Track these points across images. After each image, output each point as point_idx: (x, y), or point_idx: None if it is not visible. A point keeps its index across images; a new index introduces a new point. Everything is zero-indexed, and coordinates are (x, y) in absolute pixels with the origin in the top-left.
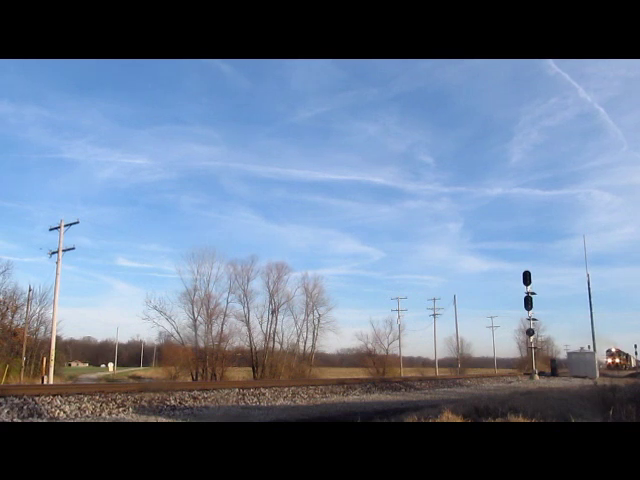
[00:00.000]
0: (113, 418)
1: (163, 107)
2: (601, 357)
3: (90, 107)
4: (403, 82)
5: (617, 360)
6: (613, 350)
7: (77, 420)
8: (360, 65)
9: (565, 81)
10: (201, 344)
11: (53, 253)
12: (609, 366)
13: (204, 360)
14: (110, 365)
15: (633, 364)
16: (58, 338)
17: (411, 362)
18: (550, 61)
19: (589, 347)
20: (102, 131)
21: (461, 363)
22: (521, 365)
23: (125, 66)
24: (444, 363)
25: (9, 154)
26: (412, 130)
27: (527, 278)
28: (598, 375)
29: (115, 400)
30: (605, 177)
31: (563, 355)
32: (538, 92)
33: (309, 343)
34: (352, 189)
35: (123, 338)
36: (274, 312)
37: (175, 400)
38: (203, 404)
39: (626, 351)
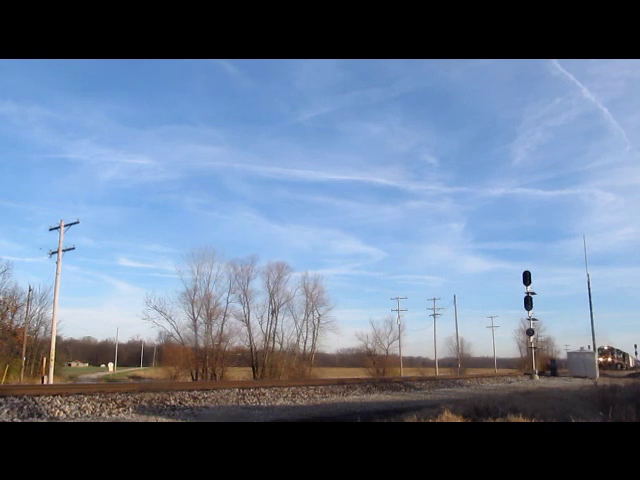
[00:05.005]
0: (113, 418)
1: (167, 107)
2: None
3: (94, 107)
4: (407, 82)
5: (609, 359)
6: (605, 348)
7: (77, 420)
8: (364, 65)
9: (569, 81)
10: (201, 344)
11: (53, 253)
12: (601, 365)
13: (204, 360)
14: (110, 365)
15: (631, 364)
16: (58, 338)
17: (411, 362)
18: (554, 61)
19: (589, 347)
20: (105, 131)
21: (461, 363)
22: (521, 365)
23: (129, 66)
24: (444, 363)
25: (12, 154)
26: (415, 130)
27: (527, 278)
28: (598, 375)
29: (115, 400)
30: (608, 177)
31: (563, 355)
32: (542, 92)
33: (309, 343)
34: (355, 189)
35: (123, 338)
36: (274, 312)
37: (175, 400)
38: (203, 404)
39: (626, 351)
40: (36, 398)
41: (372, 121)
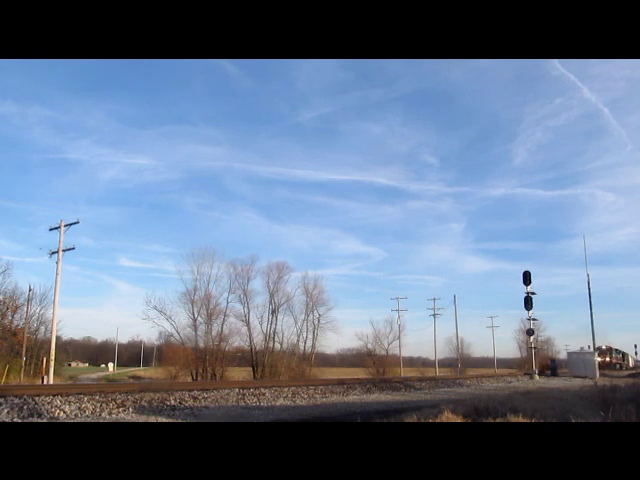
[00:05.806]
0: (113, 418)
1: (167, 107)
2: None
3: (94, 107)
4: (408, 82)
5: (608, 358)
6: (603, 347)
7: (77, 420)
8: (364, 65)
9: (570, 81)
10: (201, 344)
11: (53, 253)
12: (600, 365)
13: (204, 360)
14: (110, 365)
15: (631, 363)
16: (58, 338)
17: (411, 362)
18: (555, 61)
19: (589, 347)
20: (106, 131)
21: (461, 363)
22: (521, 365)
23: (129, 66)
24: (444, 363)
25: (13, 154)
26: (416, 130)
27: (527, 278)
28: (598, 375)
29: (115, 400)
30: (608, 177)
31: (563, 355)
32: (542, 92)
33: (309, 343)
34: (355, 189)
35: (123, 338)
36: (274, 312)
37: (175, 400)
38: (203, 404)
39: (626, 351)
40: (36, 398)
41: (372, 121)
